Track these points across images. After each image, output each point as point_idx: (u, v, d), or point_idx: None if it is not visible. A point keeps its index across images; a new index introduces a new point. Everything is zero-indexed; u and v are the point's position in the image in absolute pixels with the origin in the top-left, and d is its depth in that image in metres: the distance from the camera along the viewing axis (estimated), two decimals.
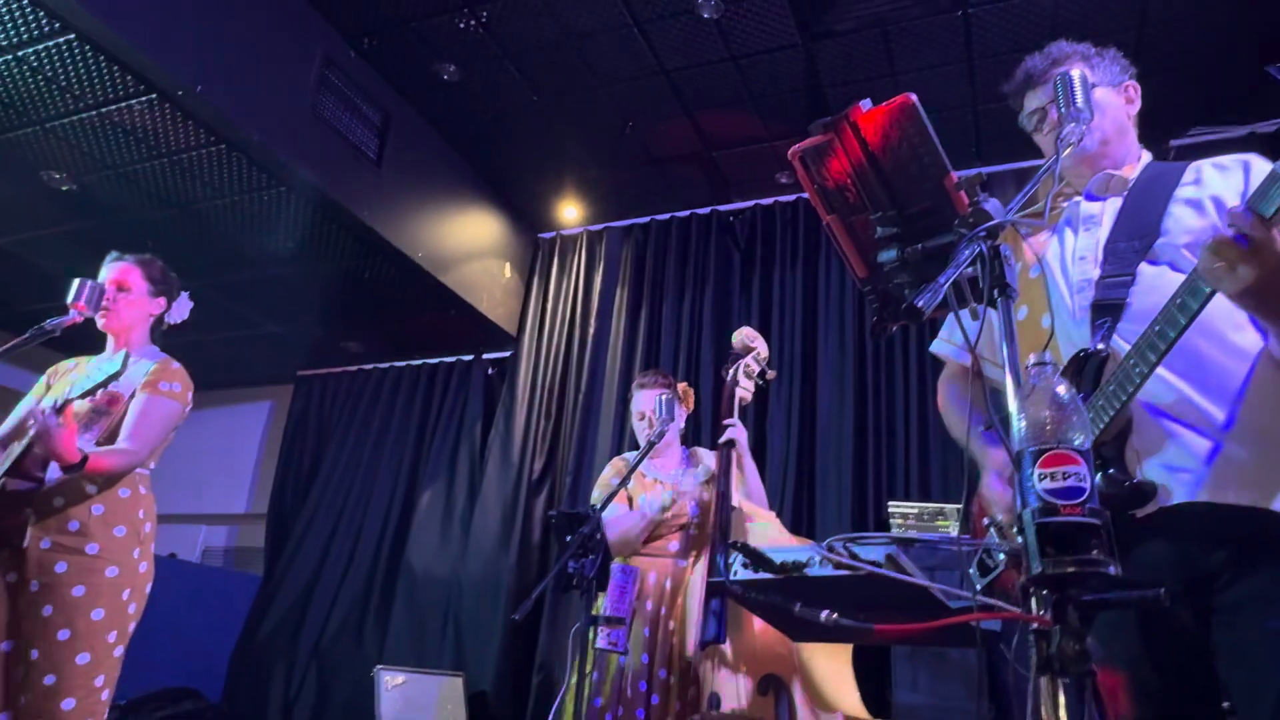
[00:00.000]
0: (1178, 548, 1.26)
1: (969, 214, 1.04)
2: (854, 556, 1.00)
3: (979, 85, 3.72)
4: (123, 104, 3.23)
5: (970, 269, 1.05)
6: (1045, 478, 0.86)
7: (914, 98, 1.11)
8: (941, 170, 1.13)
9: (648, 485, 2.88)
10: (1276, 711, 1.15)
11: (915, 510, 3.53)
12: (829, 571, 1.04)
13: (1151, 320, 1.24)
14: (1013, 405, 0.94)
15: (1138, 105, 1.62)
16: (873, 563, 1.00)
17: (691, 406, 3.15)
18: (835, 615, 0.95)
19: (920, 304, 0.90)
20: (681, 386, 3.10)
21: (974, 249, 1.01)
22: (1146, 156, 1.60)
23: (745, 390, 2.93)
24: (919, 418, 3.88)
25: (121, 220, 4.05)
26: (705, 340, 4.41)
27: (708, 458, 3.03)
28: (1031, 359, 0.94)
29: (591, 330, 4.77)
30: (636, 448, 2.92)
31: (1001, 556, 1.17)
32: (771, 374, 3.09)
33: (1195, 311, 1.19)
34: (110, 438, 2.33)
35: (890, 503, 3.58)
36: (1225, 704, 1.24)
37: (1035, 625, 0.87)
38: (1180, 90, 3.58)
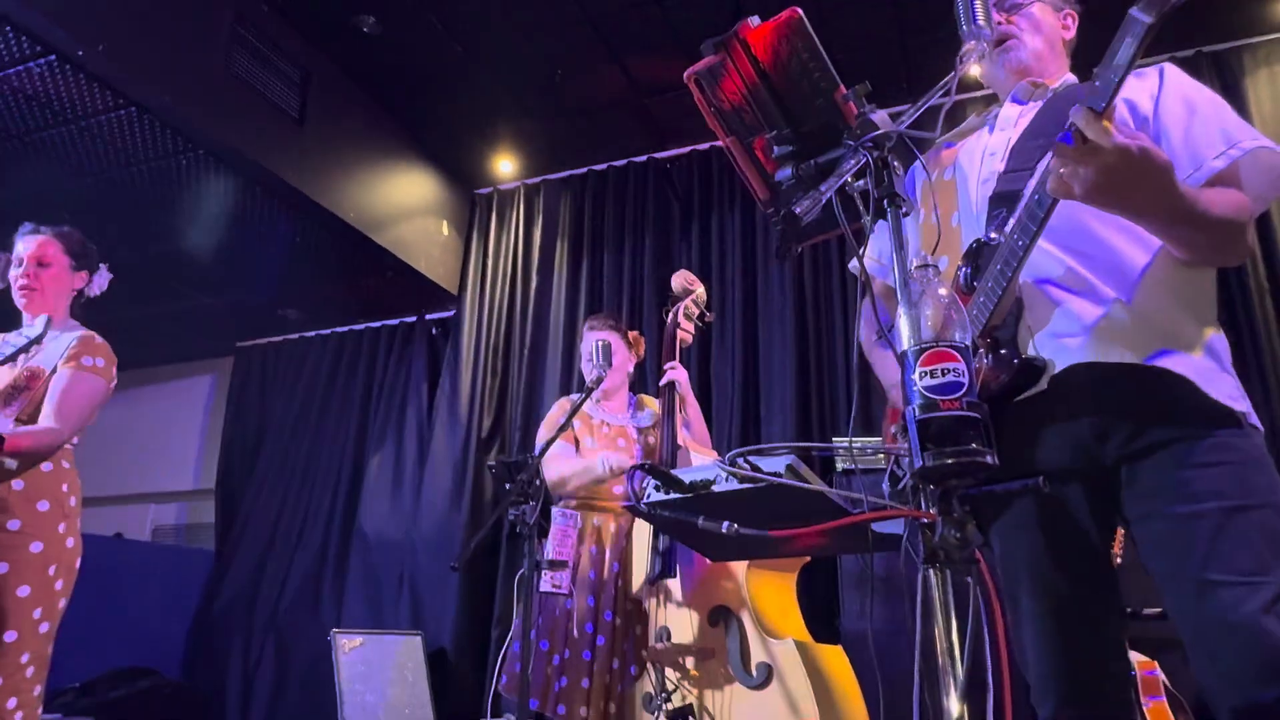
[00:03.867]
0: (1070, 438, 1.28)
1: (855, 125, 1.05)
2: (754, 469, 1.02)
3: (906, 18, 3.71)
4: (19, 67, 3.08)
5: (861, 181, 1.06)
6: (926, 375, 0.88)
7: (800, 12, 1.11)
8: (832, 84, 1.14)
9: (595, 428, 2.90)
10: (1198, 595, 1.16)
11: (858, 446, 3.59)
12: (734, 486, 1.06)
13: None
14: (900, 309, 0.96)
15: (1072, 34, 1.65)
16: (773, 473, 1.02)
17: (641, 354, 3.16)
18: (735, 526, 0.97)
19: (798, 210, 0.91)
20: (633, 335, 3.11)
21: (860, 159, 1.02)
22: (1071, 77, 1.63)
23: (686, 332, 2.96)
24: (860, 356, 3.93)
25: (32, 192, 3.88)
26: (648, 289, 4.41)
27: (653, 403, 3.05)
28: (913, 263, 0.96)
29: (534, 285, 4.74)
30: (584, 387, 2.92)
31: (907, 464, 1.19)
32: (710, 316, 3.12)
33: None
34: (32, 414, 2.26)
35: (835, 439, 3.64)
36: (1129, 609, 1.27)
37: (923, 520, 0.90)
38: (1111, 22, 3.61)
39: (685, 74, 1.23)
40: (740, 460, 1.04)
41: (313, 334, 5.47)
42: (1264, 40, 3.67)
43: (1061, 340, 1.28)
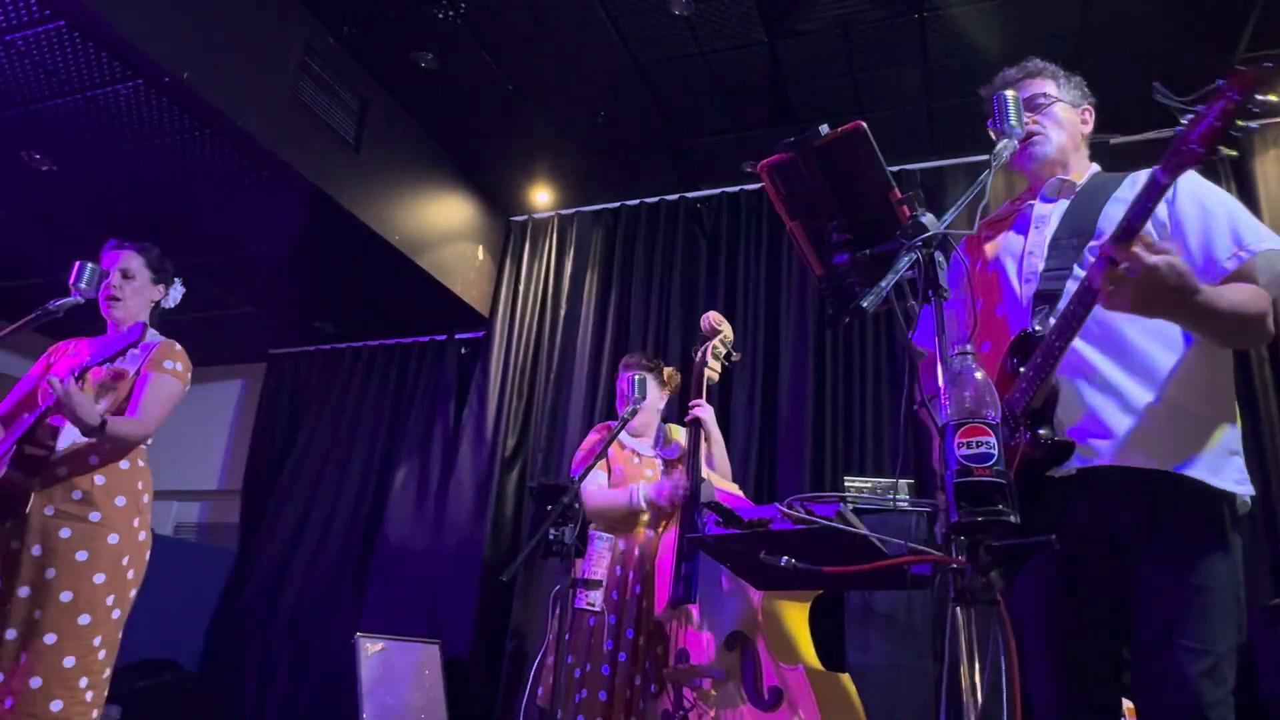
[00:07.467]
0: (1093, 508, 1.49)
1: (908, 226, 1.24)
2: (809, 512, 1.20)
3: (934, 82, 3.92)
4: (108, 89, 3.30)
5: (909, 272, 1.25)
6: (963, 445, 1.06)
7: (863, 125, 1.30)
8: (887, 186, 1.33)
9: (626, 457, 3.07)
10: (1154, 653, 1.39)
11: (869, 485, 3.76)
12: (788, 526, 1.24)
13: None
14: (942, 386, 1.14)
15: (1091, 127, 1.87)
16: (824, 518, 1.20)
17: (675, 390, 3.33)
18: (793, 561, 1.15)
19: (865, 305, 1.09)
20: (667, 371, 3.28)
21: (912, 256, 1.20)
22: (1094, 168, 1.83)
23: (713, 371, 3.13)
24: (874, 398, 4.11)
25: (101, 202, 4.10)
26: (673, 322, 4.60)
27: (680, 434, 3.22)
28: (954, 349, 1.14)
29: (562, 312, 4.93)
30: (614, 418, 3.09)
31: None
32: (737, 355, 3.29)
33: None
34: (115, 412, 2.45)
35: (846, 478, 3.81)
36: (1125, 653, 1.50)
37: (954, 565, 1.08)
38: (1118, 90, 3.81)
39: (759, 166, 1.42)
40: (796, 504, 1.21)
41: (345, 346, 5.66)
42: (1274, 123, 3.87)
43: (1089, 442, 1.49)
